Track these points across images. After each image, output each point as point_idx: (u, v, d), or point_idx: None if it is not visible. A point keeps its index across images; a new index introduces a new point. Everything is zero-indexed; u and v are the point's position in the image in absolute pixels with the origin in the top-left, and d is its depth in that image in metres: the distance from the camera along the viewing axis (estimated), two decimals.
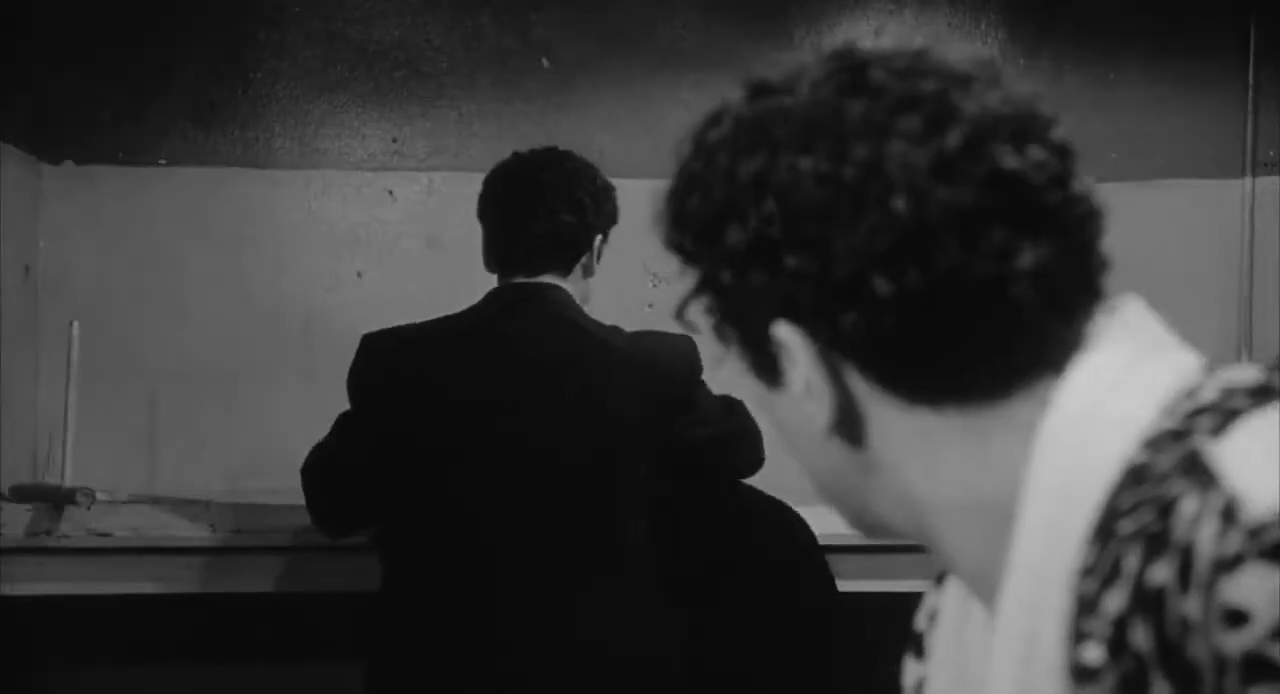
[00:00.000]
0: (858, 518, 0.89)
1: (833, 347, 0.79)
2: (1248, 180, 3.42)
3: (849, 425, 0.82)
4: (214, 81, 3.26)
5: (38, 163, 3.20)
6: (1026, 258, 0.76)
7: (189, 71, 3.25)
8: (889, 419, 0.81)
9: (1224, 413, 0.73)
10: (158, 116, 3.24)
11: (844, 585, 2.86)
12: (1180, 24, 3.42)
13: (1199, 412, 0.74)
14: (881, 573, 2.76)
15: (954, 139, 0.76)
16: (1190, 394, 0.75)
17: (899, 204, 0.75)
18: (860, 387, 0.81)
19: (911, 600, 1.00)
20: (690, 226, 0.83)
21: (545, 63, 3.34)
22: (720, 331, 0.85)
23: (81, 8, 3.19)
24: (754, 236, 0.79)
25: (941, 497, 0.81)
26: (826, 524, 1.18)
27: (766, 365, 0.83)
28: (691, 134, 0.84)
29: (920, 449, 0.81)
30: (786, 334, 0.80)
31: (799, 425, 0.84)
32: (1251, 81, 3.42)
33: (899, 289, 0.76)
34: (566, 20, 3.34)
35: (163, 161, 3.25)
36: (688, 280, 0.86)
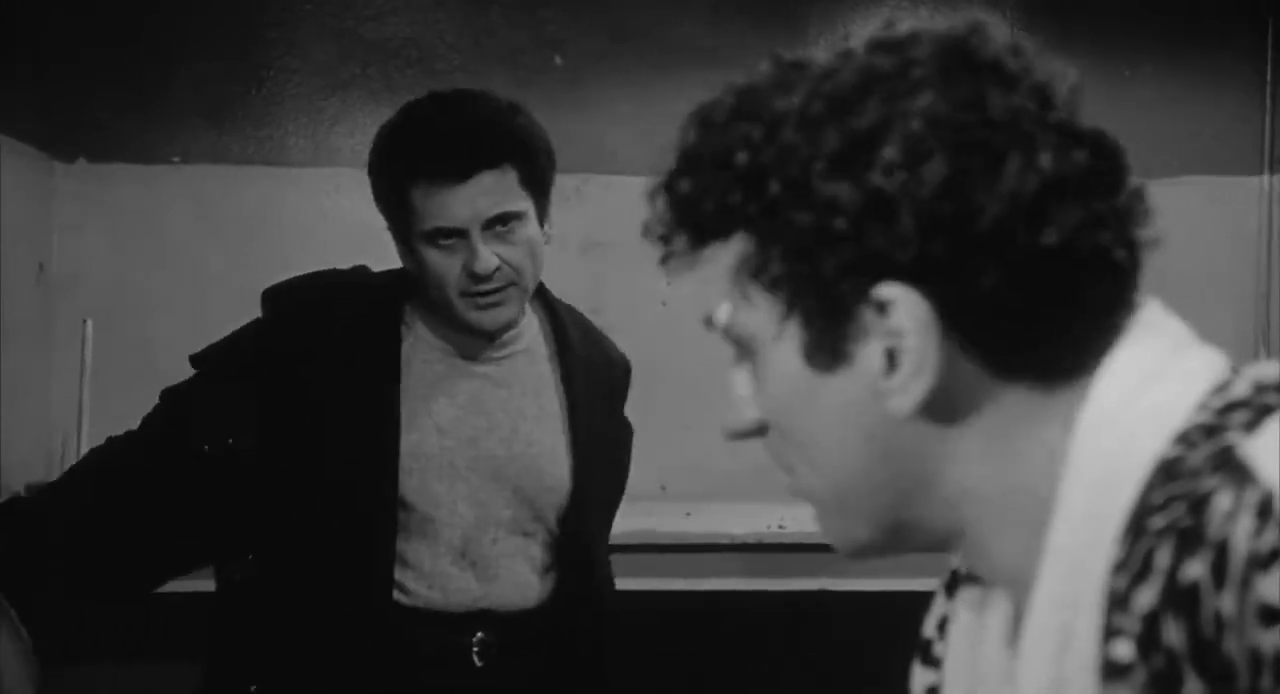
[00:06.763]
0: (874, 522, 0.83)
1: (948, 311, 0.76)
2: (1265, 177, 3.41)
3: (940, 404, 0.77)
4: (227, 79, 3.27)
5: (51, 161, 3.20)
6: (1114, 229, 0.77)
7: (202, 69, 3.25)
8: (979, 397, 0.78)
9: (1256, 409, 0.72)
10: (171, 114, 3.24)
11: (828, 584, 2.86)
12: (1197, 22, 3.41)
13: (1231, 407, 0.73)
14: (870, 572, 2.76)
15: (1066, 106, 0.78)
16: (1221, 390, 0.75)
17: (1044, 157, 0.75)
18: (960, 362, 0.77)
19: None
20: (780, 176, 0.77)
21: (557, 60, 3.34)
22: (758, 312, 0.80)
23: (94, 6, 3.19)
24: (874, 189, 0.75)
25: (989, 487, 0.79)
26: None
27: (830, 341, 0.78)
28: (752, 90, 0.81)
29: (994, 432, 0.78)
30: (899, 295, 0.75)
31: (850, 413, 0.79)
32: (1269, 78, 3.41)
33: (1038, 244, 0.75)
34: (578, 18, 3.34)
35: (176, 159, 3.25)
36: (721, 260, 0.80)
